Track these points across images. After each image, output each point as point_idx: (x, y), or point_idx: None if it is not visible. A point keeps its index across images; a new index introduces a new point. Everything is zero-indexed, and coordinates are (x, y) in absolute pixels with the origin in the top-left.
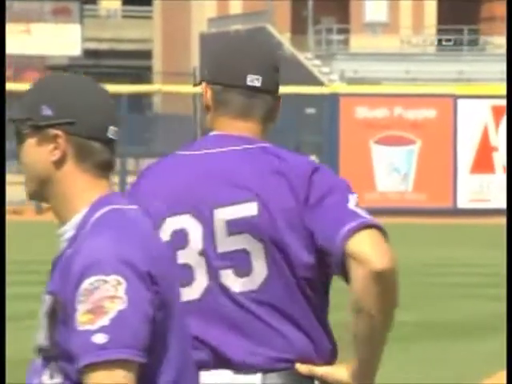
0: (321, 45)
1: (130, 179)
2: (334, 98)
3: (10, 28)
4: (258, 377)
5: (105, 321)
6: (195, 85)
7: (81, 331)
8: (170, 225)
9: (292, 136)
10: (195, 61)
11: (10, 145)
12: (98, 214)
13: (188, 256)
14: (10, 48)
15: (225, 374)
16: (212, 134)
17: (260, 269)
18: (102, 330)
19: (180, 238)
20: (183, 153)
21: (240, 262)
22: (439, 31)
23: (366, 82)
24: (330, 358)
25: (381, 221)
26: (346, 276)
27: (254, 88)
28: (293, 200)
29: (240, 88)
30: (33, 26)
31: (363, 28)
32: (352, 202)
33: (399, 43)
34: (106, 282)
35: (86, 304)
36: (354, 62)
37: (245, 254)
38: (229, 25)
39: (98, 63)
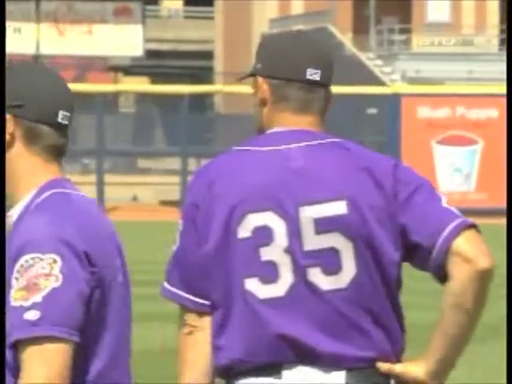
0: (382, 45)
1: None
2: (395, 98)
3: (72, 29)
4: (343, 375)
5: (38, 298)
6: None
7: (14, 307)
8: (252, 221)
9: (353, 136)
10: None
11: (70, 148)
12: (42, 197)
13: (272, 253)
14: (72, 49)
15: (309, 372)
16: (277, 129)
17: (349, 267)
18: (34, 306)
19: (263, 235)
20: (255, 149)
21: (328, 261)
22: (502, 31)
23: (428, 81)
24: (401, 356)
25: None
26: (440, 274)
27: (313, 82)
28: (380, 196)
29: (300, 82)
30: (94, 26)
31: (425, 28)
32: (444, 200)
33: (461, 43)
34: (41, 259)
35: (20, 281)
36: (415, 61)
37: (334, 252)
38: (290, 25)
39: (160, 64)
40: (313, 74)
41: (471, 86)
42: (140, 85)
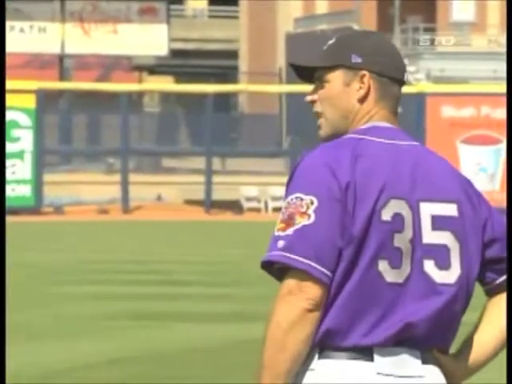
0: (407, 44)
1: (216, 179)
2: (420, 98)
3: (97, 28)
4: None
5: None
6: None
7: None
8: (392, 207)
9: None
10: (281, 60)
11: (95, 148)
12: None
13: (402, 241)
14: (98, 48)
15: (396, 351)
16: (380, 124)
17: (456, 266)
18: None
19: (399, 222)
20: (380, 140)
21: (440, 256)
22: None
23: (453, 81)
24: None
25: None
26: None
27: (404, 84)
28: (478, 210)
29: (400, 83)
30: (119, 26)
31: (450, 27)
32: None
33: (486, 42)
34: None
35: None
36: (440, 60)
37: (446, 249)
38: (315, 24)
39: (185, 63)
40: (406, 77)
41: (496, 86)
42: (165, 84)
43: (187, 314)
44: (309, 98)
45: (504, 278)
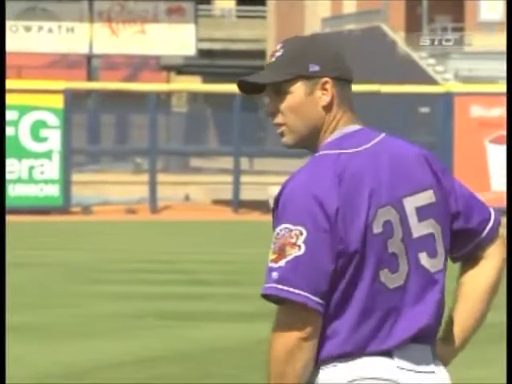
0: (436, 43)
1: (244, 179)
2: (448, 97)
3: (125, 28)
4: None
5: None
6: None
7: None
8: (381, 216)
9: (406, 135)
10: None
11: (122, 147)
12: None
13: (395, 245)
14: (126, 48)
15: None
16: (351, 128)
17: (441, 250)
18: None
19: (389, 229)
20: (355, 150)
21: (429, 245)
22: None
23: (482, 80)
24: None
25: None
26: (475, 254)
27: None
28: (444, 187)
29: (350, 82)
30: (147, 26)
31: (478, 26)
32: None
33: None
34: None
35: None
36: (469, 60)
37: (432, 237)
38: (342, 24)
39: (213, 63)
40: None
41: None
42: (192, 84)
43: (213, 313)
44: (268, 110)
45: (469, 248)
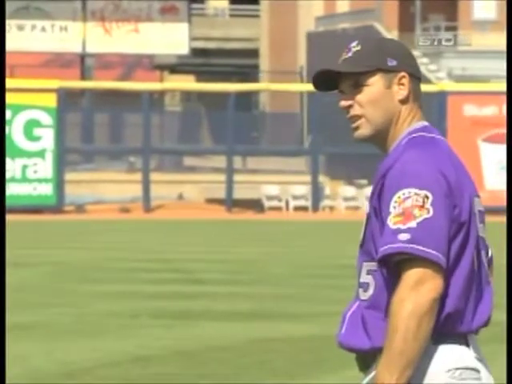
0: (429, 42)
1: (238, 178)
2: (441, 96)
3: (119, 27)
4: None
5: None
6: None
7: None
8: (476, 205)
9: None
10: (302, 59)
11: (116, 147)
12: None
13: (480, 231)
14: (119, 47)
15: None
16: (423, 123)
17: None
18: None
19: (480, 216)
20: (443, 138)
21: (484, 247)
22: None
23: (475, 79)
24: None
25: (490, 220)
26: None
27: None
28: None
29: (420, 81)
30: (141, 25)
31: (472, 25)
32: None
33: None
34: None
35: None
36: (462, 59)
37: (483, 241)
38: (336, 23)
39: (206, 62)
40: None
41: None
42: (186, 83)
43: (208, 312)
44: (345, 103)
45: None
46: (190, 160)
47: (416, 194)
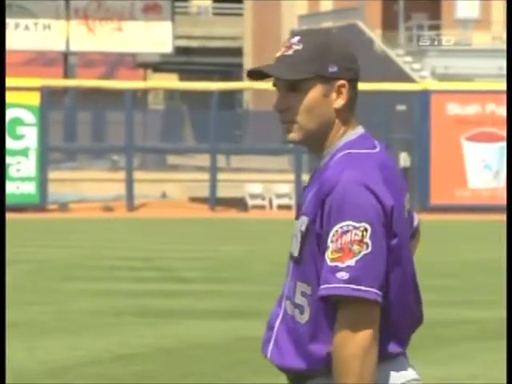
0: (412, 41)
1: (221, 176)
2: (425, 95)
3: (102, 26)
4: None
5: None
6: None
7: None
8: (408, 218)
9: (383, 133)
10: None
11: (99, 145)
12: None
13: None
14: (102, 46)
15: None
16: (361, 131)
17: None
18: None
19: (413, 231)
20: (376, 150)
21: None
22: None
23: (458, 78)
24: None
25: (473, 218)
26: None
27: None
28: None
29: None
30: (124, 23)
31: (455, 24)
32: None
33: (491, 39)
34: None
35: None
36: (445, 58)
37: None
38: (319, 22)
39: (189, 60)
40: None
41: (501, 83)
42: (169, 82)
43: (190, 310)
44: (280, 106)
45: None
46: (174, 159)
47: (355, 227)
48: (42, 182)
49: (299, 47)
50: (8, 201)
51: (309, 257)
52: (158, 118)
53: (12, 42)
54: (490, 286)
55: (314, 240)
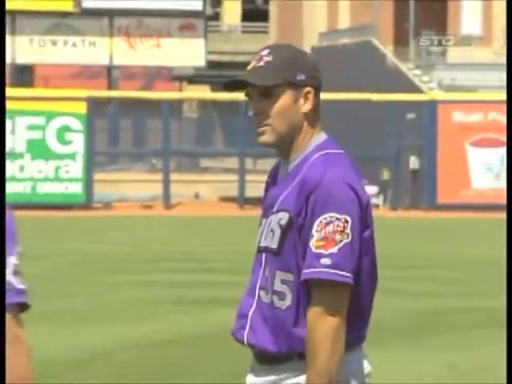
0: (421, 56)
1: (249, 177)
2: (432, 104)
3: (142, 42)
4: None
5: None
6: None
7: None
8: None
9: (394, 139)
10: None
11: (139, 149)
12: None
13: None
14: (142, 60)
15: None
16: (325, 135)
17: None
18: None
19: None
20: (342, 152)
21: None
22: None
23: (463, 89)
24: None
25: (475, 216)
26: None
27: None
28: None
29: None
30: (162, 40)
31: (460, 40)
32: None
33: (492, 54)
34: None
35: None
36: (451, 71)
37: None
38: (337, 38)
39: (220, 73)
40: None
41: (502, 93)
42: (202, 92)
43: (222, 299)
44: (256, 111)
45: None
46: (206, 161)
47: (337, 219)
48: (88, 182)
49: (270, 58)
50: (57, 200)
51: (290, 247)
52: (191, 125)
53: (61, 57)
54: (493, 279)
55: (296, 232)
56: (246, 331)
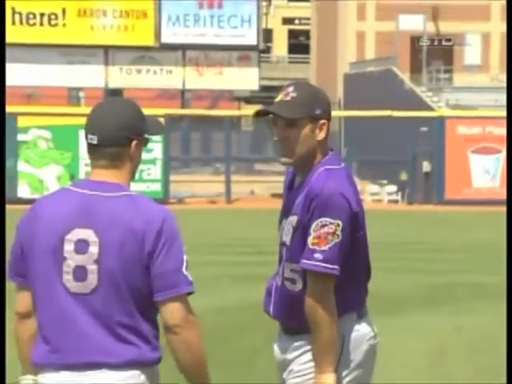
0: (432, 81)
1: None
2: (441, 120)
3: (208, 71)
4: None
5: None
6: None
7: None
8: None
9: (410, 147)
10: (340, 93)
11: (206, 156)
12: None
13: None
14: (208, 85)
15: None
16: (332, 153)
17: None
18: None
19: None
20: (342, 166)
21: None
22: None
23: (466, 108)
24: None
25: (475, 209)
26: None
27: None
28: None
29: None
30: (224, 69)
31: (463, 68)
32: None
33: (490, 79)
34: None
35: None
36: (456, 93)
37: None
38: (365, 67)
39: (271, 95)
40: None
41: (497, 111)
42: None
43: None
44: (281, 137)
45: None
46: (259, 165)
47: (331, 222)
48: (165, 183)
49: (295, 94)
50: None
51: (297, 243)
52: (248, 136)
53: (145, 82)
54: (491, 259)
55: (301, 231)
56: (272, 306)
